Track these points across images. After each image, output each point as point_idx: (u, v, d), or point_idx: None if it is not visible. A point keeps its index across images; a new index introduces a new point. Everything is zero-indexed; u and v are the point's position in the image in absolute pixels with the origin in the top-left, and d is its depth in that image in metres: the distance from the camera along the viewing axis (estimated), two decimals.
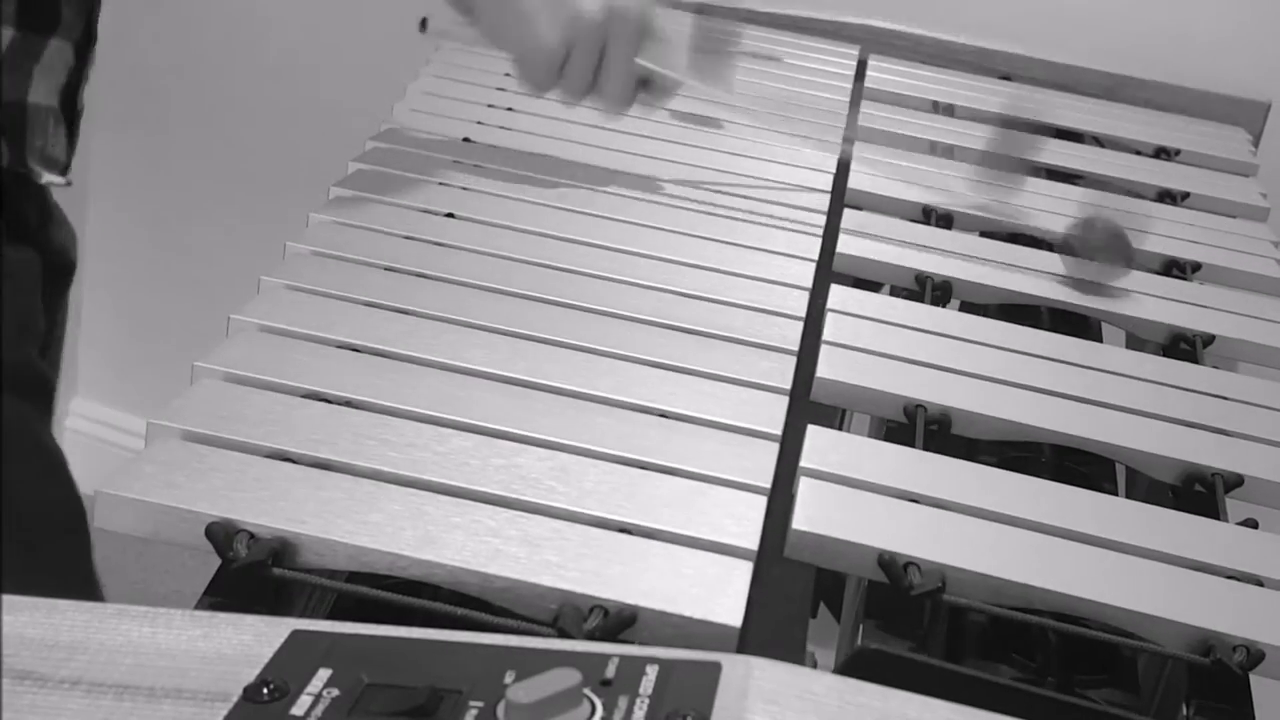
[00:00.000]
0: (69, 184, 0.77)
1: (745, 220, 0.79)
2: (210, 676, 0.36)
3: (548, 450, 0.54)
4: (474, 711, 0.35)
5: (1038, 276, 0.79)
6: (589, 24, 0.73)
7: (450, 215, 0.74)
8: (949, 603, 0.51)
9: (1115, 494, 0.67)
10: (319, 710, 0.35)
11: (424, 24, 0.78)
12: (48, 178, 0.75)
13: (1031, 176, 0.95)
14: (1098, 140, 1.04)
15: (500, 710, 0.35)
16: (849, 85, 1.04)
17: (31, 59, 0.73)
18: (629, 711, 0.35)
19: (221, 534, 0.46)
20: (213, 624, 0.38)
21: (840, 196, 0.85)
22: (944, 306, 0.76)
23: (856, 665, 0.50)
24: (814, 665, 0.52)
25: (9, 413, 0.70)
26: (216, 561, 0.47)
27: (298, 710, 0.35)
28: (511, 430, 0.55)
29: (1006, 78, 1.12)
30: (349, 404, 0.55)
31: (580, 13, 0.73)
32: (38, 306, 0.77)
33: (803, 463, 0.56)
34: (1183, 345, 0.75)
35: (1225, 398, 0.68)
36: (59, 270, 0.81)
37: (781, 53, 1.08)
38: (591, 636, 0.45)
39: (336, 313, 0.62)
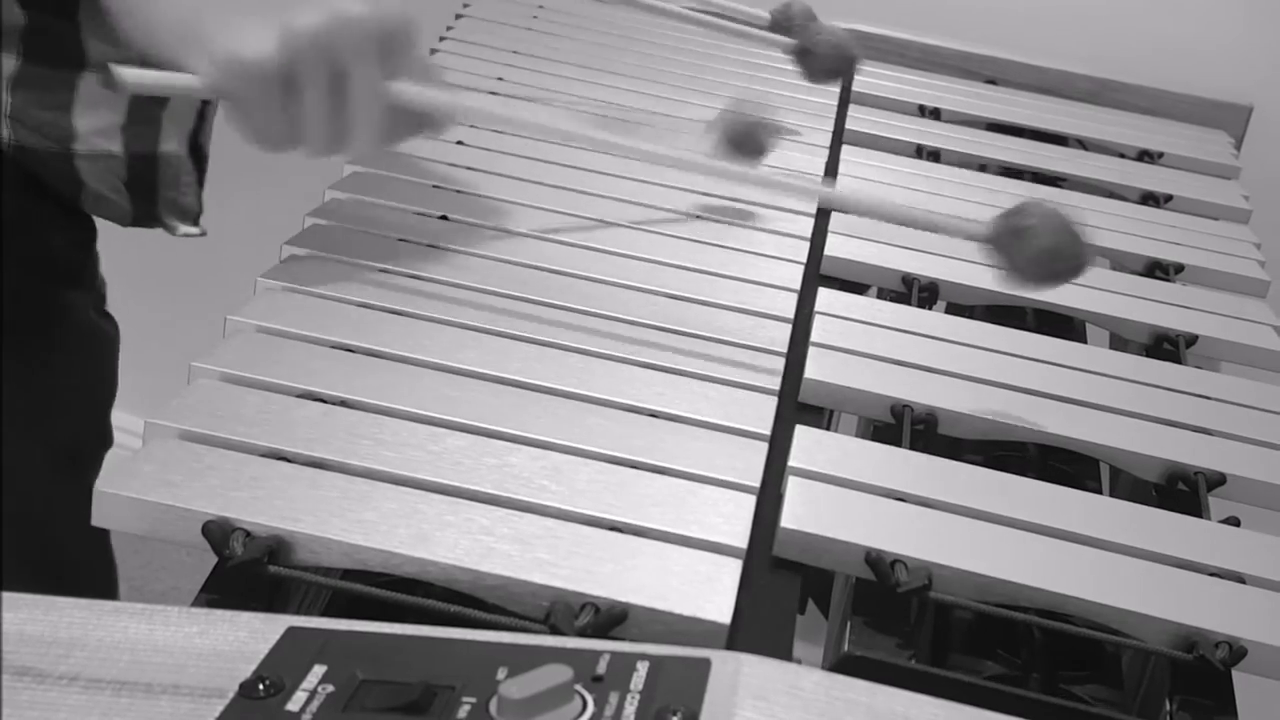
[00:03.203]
0: (203, 234, 0.73)
1: (734, 224, 0.79)
2: (207, 672, 0.37)
3: (540, 450, 0.54)
4: (467, 707, 0.35)
5: None
6: (310, 40, 0.56)
7: (444, 217, 0.74)
8: (935, 600, 0.51)
9: (1099, 492, 0.68)
10: (314, 706, 0.35)
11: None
12: (184, 230, 0.71)
13: (1010, 179, 0.96)
14: (1082, 143, 1.05)
15: (493, 706, 0.35)
16: (836, 89, 1.04)
17: (159, 105, 0.68)
18: (620, 707, 0.35)
19: (218, 532, 0.47)
20: (209, 621, 0.39)
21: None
22: (930, 308, 0.76)
23: (843, 670, 0.50)
24: (801, 662, 0.52)
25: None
26: (213, 559, 0.47)
27: (293, 706, 0.35)
28: (504, 430, 0.55)
29: (992, 82, 1.12)
30: (344, 404, 0.55)
31: (294, 28, 0.56)
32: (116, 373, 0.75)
33: (791, 462, 0.57)
34: (1166, 345, 0.76)
35: (1208, 397, 0.69)
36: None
37: None
38: (583, 633, 0.45)
39: (331, 314, 0.62)
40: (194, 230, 0.73)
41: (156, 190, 0.69)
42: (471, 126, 0.86)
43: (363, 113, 0.58)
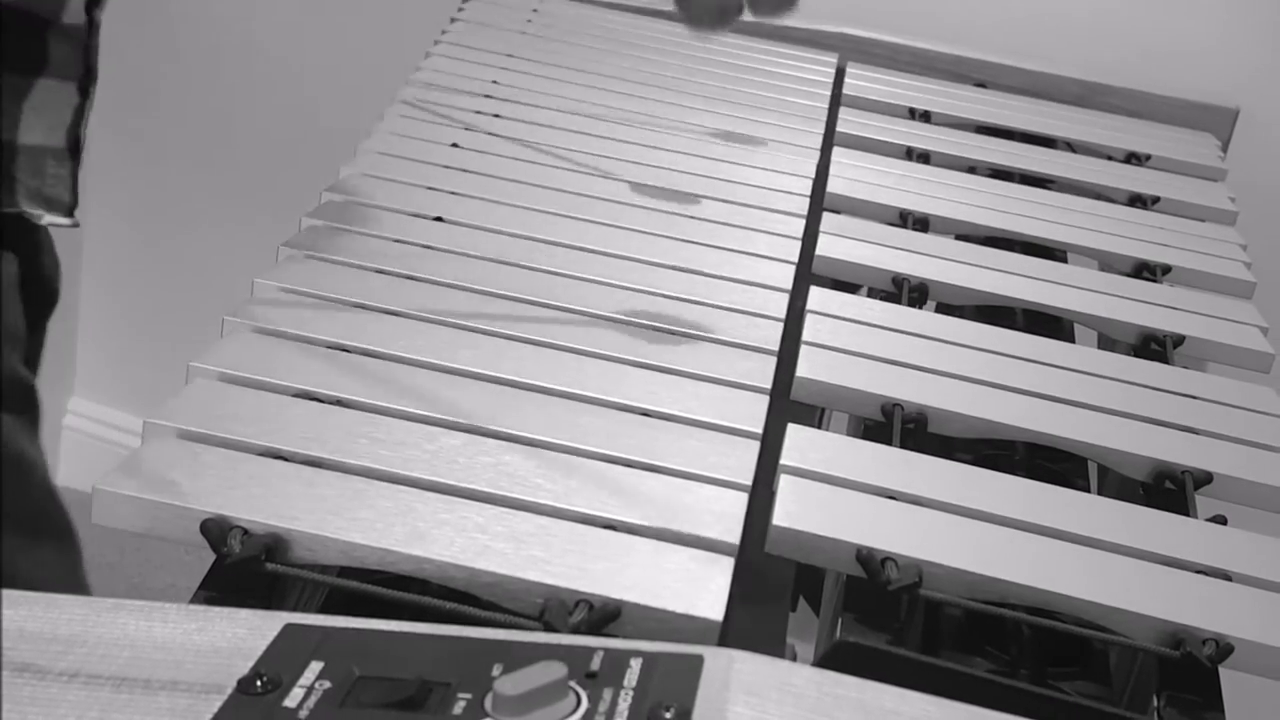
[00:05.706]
0: (75, 224, 0.73)
1: (726, 224, 0.80)
2: (205, 669, 0.37)
3: (534, 448, 0.54)
4: (462, 703, 0.35)
5: (1012, 278, 0.80)
6: None
7: (439, 219, 0.74)
8: (925, 597, 0.52)
9: (1087, 491, 0.68)
10: (311, 702, 0.35)
11: None
12: (49, 219, 0.72)
13: (999, 180, 0.97)
14: (1070, 145, 1.05)
15: (488, 702, 0.35)
16: (827, 92, 1.05)
17: (17, 98, 0.69)
18: (613, 703, 0.35)
19: (216, 530, 0.47)
20: (208, 618, 0.39)
21: (819, 200, 0.86)
22: (921, 308, 0.77)
23: (835, 658, 0.51)
24: (794, 658, 0.53)
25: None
26: (211, 557, 0.47)
27: (290, 702, 0.35)
28: (499, 429, 0.55)
29: (982, 85, 1.13)
30: (340, 403, 0.56)
31: None
32: (19, 313, 0.74)
33: (783, 460, 0.57)
34: (1153, 346, 0.76)
35: (1195, 397, 0.69)
36: (43, 298, 0.79)
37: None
38: (577, 630, 0.45)
39: (328, 314, 0.63)
40: (63, 221, 0.73)
41: (15, 178, 0.70)
42: (466, 129, 0.86)
43: None
